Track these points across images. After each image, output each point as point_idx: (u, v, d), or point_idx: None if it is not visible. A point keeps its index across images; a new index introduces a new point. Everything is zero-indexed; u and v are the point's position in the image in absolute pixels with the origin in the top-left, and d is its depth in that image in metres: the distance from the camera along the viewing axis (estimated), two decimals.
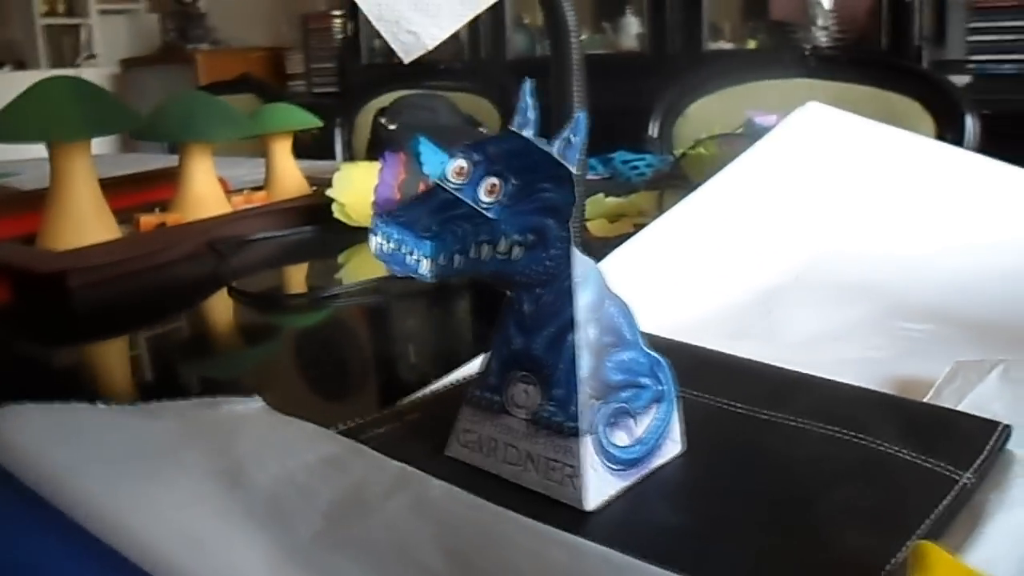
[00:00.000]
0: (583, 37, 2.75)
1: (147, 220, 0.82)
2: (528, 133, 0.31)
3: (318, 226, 0.93)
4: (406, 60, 0.43)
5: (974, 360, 0.43)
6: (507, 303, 0.33)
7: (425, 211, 0.33)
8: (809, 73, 1.16)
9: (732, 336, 0.54)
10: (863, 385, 0.42)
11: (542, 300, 0.32)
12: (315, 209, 0.95)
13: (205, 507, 0.31)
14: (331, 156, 1.81)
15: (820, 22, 1.88)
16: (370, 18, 0.40)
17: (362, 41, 2.75)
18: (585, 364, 0.31)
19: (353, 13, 2.72)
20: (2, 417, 0.36)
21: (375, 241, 0.33)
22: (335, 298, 0.67)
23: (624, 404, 0.32)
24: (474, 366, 0.47)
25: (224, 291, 0.75)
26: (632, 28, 2.54)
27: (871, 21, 1.92)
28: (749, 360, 0.44)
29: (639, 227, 0.86)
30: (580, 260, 0.32)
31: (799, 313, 0.59)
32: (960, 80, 1.71)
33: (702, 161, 0.96)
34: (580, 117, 0.32)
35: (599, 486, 0.31)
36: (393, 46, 0.41)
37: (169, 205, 0.87)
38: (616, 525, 0.30)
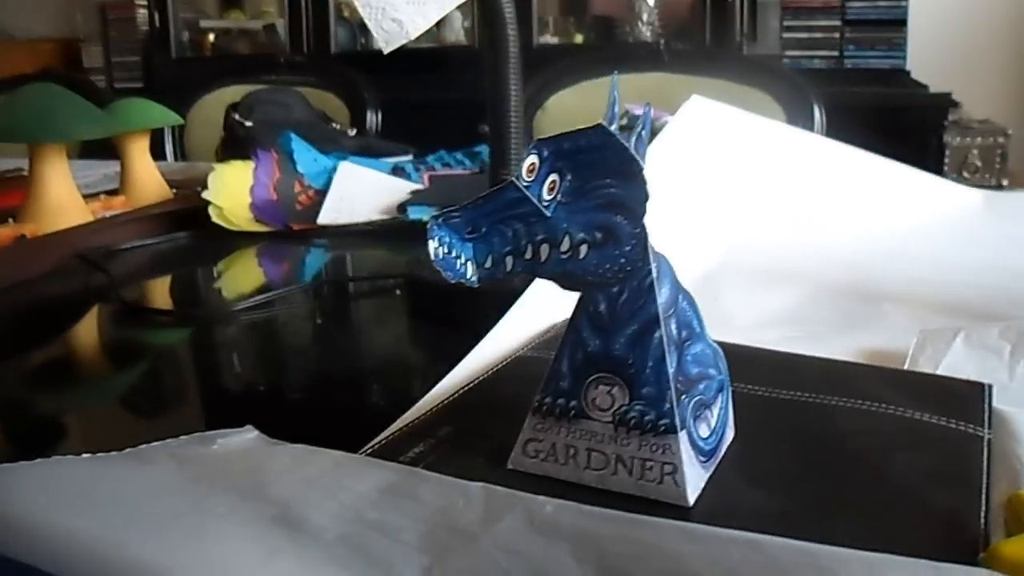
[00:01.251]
0: None
1: (3, 233, 0.72)
2: (613, 128, 0.30)
3: (192, 231, 0.86)
4: (386, 50, 0.40)
5: (936, 329, 0.47)
6: (577, 305, 0.32)
7: (484, 210, 0.31)
8: (664, 67, 1.21)
9: None
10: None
11: (620, 300, 0.31)
12: (186, 213, 0.88)
13: (285, 561, 0.27)
14: (158, 155, 1.68)
15: (645, 17, 1.97)
16: (356, 4, 0.37)
17: (171, 34, 2.56)
18: (671, 360, 0.30)
19: (160, 3, 2.53)
20: None
21: (432, 246, 0.31)
22: (258, 308, 0.62)
23: (702, 396, 0.32)
24: (469, 366, 0.46)
25: (99, 306, 0.67)
26: (456, 22, 2.54)
27: (692, 17, 2.04)
28: (742, 345, 0.45)
29: None
30: (656, 255, 0.31)
31: (739, 298, 0.61)
32: None
33: None
34: (647, 111, 0.32)
35: (695, 480, 0.30)
36: (375, 33, 0.39)
37: (19, 214, 0.77)
38: (716, 517, 0.30)
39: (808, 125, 1.10)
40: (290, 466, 0.33)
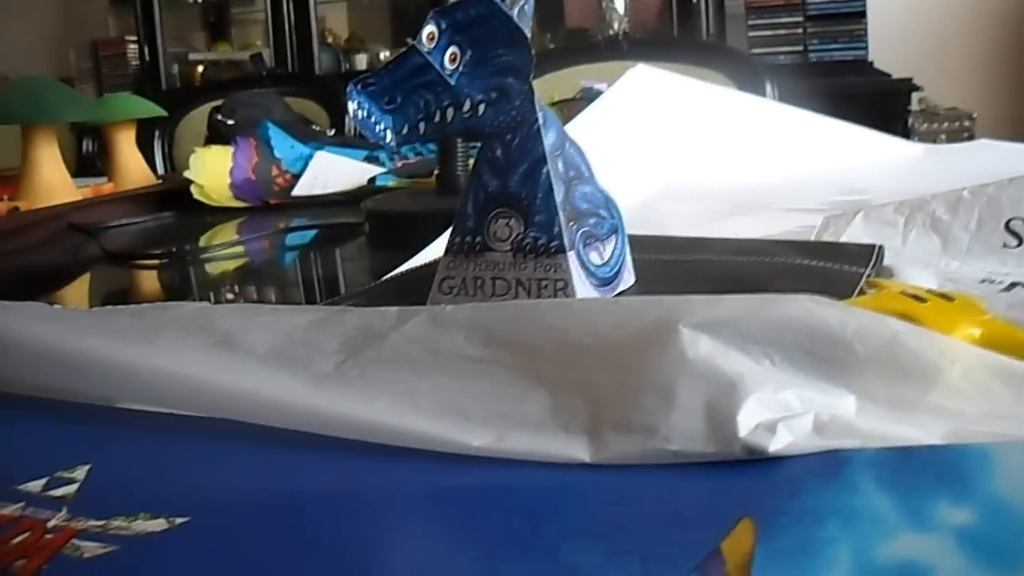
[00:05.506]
0: (385, 54, 2.78)
1: None
2: None
3: (176, 211, 0.91)
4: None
5: (838, 213, 0.52)
6: (478, 155, 0.37)
7: (395, 78, 0.36)
8: (624, 55, 1.27)
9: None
10: None
11: (512, 145, 0.36)
12: (170, 195, 0.93)
13: (216, 359, 0.32)
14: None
15: (616, 26, 2.04)
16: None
17: (161, 67, 2.64)
18: (558, 192, 0.35)
19: (149, 38, 2.61)
20: None
21: (351, 107, 0.36)
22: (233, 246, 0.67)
23: (591, 228, 0.37)
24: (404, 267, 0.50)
25: (96, 268, 0.72)
26: None
27: (661, 22, 2.12)
28: (658, 235, 0.50)
29: None
30: (541, 107, 0.36)
31: (675, 209, 0.66)
32: None
33: None
34: None
35: (585, 295, 0.35)
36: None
37: (14, 194, 0.82)
38: None
39: None
40: (235, 311, 0.38)
